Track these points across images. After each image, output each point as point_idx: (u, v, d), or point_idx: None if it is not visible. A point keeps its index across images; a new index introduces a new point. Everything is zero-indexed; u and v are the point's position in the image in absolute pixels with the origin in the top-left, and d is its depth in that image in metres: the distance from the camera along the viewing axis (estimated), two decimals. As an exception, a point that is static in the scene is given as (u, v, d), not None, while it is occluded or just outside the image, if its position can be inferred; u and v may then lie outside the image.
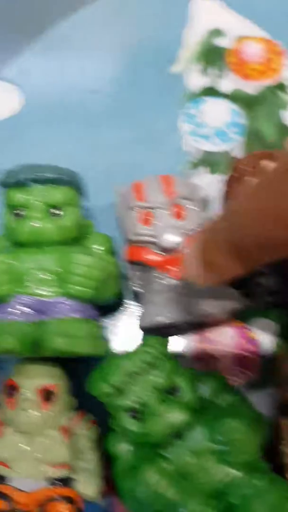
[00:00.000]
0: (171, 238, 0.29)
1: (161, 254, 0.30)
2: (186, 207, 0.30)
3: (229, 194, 0.31)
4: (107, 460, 0.27)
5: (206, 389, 0.26)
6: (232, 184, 0.31)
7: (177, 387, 0.24)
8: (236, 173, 0.31)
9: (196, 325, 0.30)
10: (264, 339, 0.32)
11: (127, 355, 0.25)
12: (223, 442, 0.24)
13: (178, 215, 0.30)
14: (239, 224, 0.22)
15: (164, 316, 0.28)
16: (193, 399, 0.25)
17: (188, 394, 0.24)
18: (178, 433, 0.24)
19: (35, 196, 0.29)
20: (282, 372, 0.29)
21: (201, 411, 0.25)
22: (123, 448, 0.26)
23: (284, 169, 0.19)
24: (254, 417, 0.25)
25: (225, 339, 0.32)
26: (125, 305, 0.34)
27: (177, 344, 0.33)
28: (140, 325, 0.28)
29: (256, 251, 0.22)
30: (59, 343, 0.26)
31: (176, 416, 0.24)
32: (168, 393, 0.24)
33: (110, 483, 0.27)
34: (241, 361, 0.32)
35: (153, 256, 0.30)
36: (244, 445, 0.23)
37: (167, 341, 0.26)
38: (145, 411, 0.24)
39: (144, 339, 0.26)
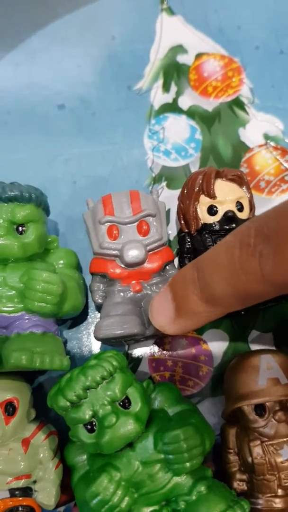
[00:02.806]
0: (135, 254, 0.30)
1: (124, 268, 0.31)
2: (150, 223, 0.31)
3: (182, 209, 0.32)
4: (67, 469, 0.28)
5: (158, 400, 0.27)
6: (184, 201, 0.32)
7: (130, 399, 0.25)
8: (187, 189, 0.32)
9: (150, 336, 0.31)
10: (216, 349, 0.33)
11: (83, 370, 0.25)
12: (168, 451, 0.24)
13: (143, 231, 0.31)
14: (214, 277, 0.22)
15: (119, 327, 0.28)
16: (145, 410, 0.25)
17: (140, 406, 0.25)
18: (129, 443, 0.25)
19: (-1, 214, 0.30)
20: (224, 382, 0.29)
21: (152, 421, 0.26)
22: (80, 459, 0.27)
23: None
24: (200, 426, 0.25)
25: (179, 349, 0.33)
26: (89, 318, 0.34)
27: (134, 354, 0.33)
28: (95, 335, 0.29)
29: (230, 299, 0.23)
30: (18, 358, 0.26)
31: (128, 428, 0.24)
32: (122, 405, 0.25)
33: (70, 492, 0.27)
34: (194, 371, 0.33)
35: (117, 270, 0.31)
36: (187, 453, 0.24)
37: (121, 354, 0.26)
38: (99, 424, 0.25)
39: (99, 352, 0.26)
